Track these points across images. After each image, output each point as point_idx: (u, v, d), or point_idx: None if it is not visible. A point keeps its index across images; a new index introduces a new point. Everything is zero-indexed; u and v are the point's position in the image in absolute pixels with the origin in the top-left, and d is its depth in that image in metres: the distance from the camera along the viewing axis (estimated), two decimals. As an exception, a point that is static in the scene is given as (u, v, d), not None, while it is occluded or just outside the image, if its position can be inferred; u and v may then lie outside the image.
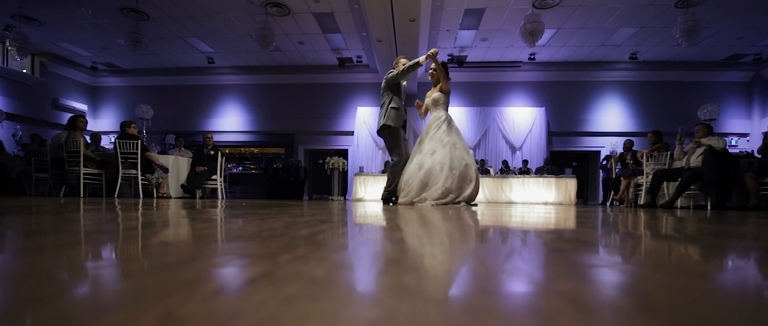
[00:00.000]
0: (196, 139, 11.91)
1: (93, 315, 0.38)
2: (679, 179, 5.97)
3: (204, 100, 13.53)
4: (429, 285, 0.54)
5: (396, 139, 5.18)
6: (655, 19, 9.49)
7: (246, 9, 9.29)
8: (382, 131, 5.19)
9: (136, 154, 6.91)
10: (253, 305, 0.41)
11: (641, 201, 7.00)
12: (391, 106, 5.13)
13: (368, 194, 10.28)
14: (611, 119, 12.51)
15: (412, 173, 4.95)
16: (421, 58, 5.05)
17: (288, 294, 0.45)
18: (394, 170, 5.23)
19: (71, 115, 7.51)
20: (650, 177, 6.56)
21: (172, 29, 10.45)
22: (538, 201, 9.88)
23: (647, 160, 6.99)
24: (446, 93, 5.12)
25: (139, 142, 6.95)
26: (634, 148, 8.68)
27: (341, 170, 11.23)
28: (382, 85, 5.28)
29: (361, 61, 12.47)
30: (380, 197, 5.45)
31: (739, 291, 0.57)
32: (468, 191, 4.77)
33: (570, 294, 0.48)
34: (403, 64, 5.20)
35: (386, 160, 11.95)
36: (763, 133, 6.71)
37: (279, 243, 0.89)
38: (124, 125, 7.18)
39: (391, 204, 5.00)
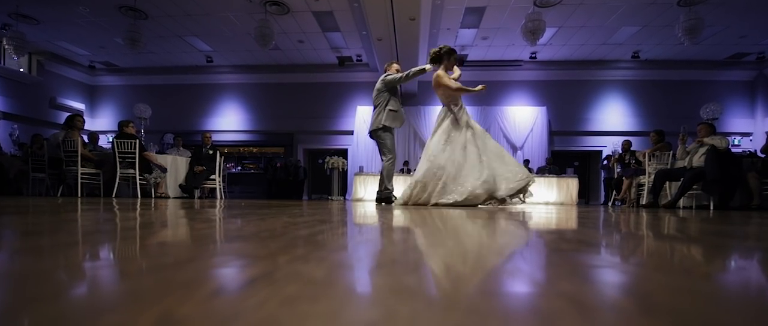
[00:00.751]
0: (195, 138, 11.84)
1: (91, 316, 0.37)
2: (682, 179, 5.91)
3: (202, 99, 13.47)
4: (429, 286, 0.53)
5: (391, 139, 5.20)
6: (657, 18, 9.43)
7: (245, 7, 9.23)
8: (377, 132, 5.20)
9: (134, 153, 6.85)
10: (252, 306, 0.41)
11: (643, 201, 6.94)
12: (389, 108, 5.16)
13: (368, 194, 10.21)
14: (613, 118, 12.44)
15: (512, 160, 4.59)
16: (428, 66, 5.00)
17: (287, 295, 0.45)
18: (390, 169, 5.20)
19: (69, 114, 7.45)
20: (652, 177, 6.49)
21: (170, 28, 10.38)
22: (539, 202, 9.81)
23: (649, 160, 6.93)
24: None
25: (137, 141, 6.91)
26: (633, 148, 8.62)
27: (341, 170, 11.16)
28: (378, 86, 5.28)
29: (360, 60, 12.41)
30: (376, 197, 5.34)
31: (742, 292, 0.56)
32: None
33: (571, 294, 0.48)
34: (397, 70, 5.30)
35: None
36: (766, 132, 6.65)
37: (278, 244, 0.88)
38: (121, 124, 7.12)
39: (393, 202, 4.96)
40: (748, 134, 12.12)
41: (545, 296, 0.48)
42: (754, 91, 12.22)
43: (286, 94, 13.35)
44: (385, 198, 5.23)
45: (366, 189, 10.31)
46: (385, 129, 5.16)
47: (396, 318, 0.37)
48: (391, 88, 5.22)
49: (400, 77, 5.14)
